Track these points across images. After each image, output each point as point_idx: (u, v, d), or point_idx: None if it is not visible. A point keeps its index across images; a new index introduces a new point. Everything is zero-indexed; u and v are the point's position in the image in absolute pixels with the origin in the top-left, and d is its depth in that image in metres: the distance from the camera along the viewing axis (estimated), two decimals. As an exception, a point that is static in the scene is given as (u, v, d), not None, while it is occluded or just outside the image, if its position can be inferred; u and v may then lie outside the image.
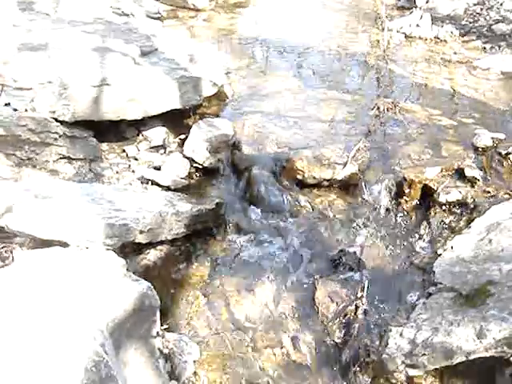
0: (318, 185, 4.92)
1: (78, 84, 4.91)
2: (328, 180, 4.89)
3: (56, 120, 4.85)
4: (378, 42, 7.28)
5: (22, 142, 4.72)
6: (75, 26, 5.91)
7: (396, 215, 4.69)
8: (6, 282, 3.36)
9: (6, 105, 4.87)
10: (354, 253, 4.33)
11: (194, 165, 4.98)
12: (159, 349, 3.43)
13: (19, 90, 4.94)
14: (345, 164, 4.90)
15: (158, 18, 7.76)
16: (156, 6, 7.99)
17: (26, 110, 4.82)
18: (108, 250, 3.73)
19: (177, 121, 5.40)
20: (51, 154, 4.82)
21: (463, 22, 7.57)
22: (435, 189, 4.65)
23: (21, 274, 3.41)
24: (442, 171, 4.78)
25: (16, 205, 3.97)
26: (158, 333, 3.43)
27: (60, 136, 4.82)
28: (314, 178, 4.89)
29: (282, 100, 5.94)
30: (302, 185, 4.92)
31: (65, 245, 3.72)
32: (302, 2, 8.77)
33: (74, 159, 4.88)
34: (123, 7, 7.46)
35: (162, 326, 3.50)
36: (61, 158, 4.86)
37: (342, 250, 4.39)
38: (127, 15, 7.34)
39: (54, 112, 4.85)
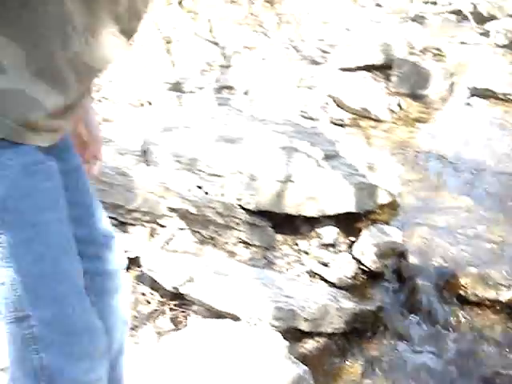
0: (479, 303, 4.91)
1: (265, 177, 5.38)
2: (490, 300, 4.90)
3: (241, 207, 5.32)
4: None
5: (208, 222, 5.21)
6: (266, 125, 6.42)
7: (559, 345, 4.61)
8: (179, 344, 3.76)
9: (198, 187, 5.43)
10: (510, 376, 4.30)
11: (361, 266, 5.18)
12: (308, 432, 3.63)
13: (212, 175, 5.49)
14: (510, 286, 4.90)
15: (341, 125, 8.16)
16: (340, 114, 8.43)
17: (216, 195, 5.34)
18: (274, 330, 4.04)
19: (349, 223, 5.64)
20: (231, 237, 5.26)
21: None
22: None
23: (193, 339, 3.80)
24: None
25: (197, 276, 4.42)
26: (309, 417, 3.63)
27: (242, 222, 5.26)
28: (477, 295, 4.91)
29: (452, 216, 6.01)
30: (464, 301, 4.94)
31: (236, 318, 4.07)
32: (481, 121, 8.84)
33: (250, 245, 5.28)
34: (310, 112, 8.00)
35: (313, 411, 3.69)
36: (239, 242, 5.28)
37: (496, 372, 4.38)
38: (313, 119, 7.85)
39: (240, 199, 5.33)
